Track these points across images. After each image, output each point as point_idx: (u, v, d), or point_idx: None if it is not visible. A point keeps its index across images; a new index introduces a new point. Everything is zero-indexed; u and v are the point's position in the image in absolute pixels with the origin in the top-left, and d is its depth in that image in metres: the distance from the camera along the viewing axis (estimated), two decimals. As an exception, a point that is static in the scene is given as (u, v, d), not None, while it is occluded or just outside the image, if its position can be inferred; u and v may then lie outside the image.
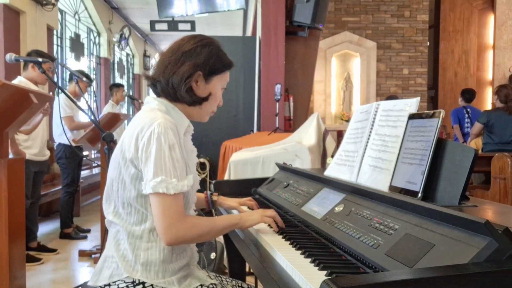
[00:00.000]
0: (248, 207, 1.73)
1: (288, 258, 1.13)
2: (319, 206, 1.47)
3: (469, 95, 5.72)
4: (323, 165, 2.74)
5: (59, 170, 4.51)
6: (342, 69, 8.77)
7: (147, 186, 1.22)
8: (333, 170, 1.69)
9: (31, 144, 3.69)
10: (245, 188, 2.14)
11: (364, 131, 1.56)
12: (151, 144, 1.22)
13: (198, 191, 1.50)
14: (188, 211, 1.39)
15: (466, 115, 5.61)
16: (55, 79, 3.23)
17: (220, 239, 2.57)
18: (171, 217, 1.21)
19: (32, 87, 3.43)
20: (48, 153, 3.99)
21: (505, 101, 4.59)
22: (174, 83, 1.32)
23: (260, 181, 2.16)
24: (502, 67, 8.54)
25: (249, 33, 8.07)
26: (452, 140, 3.52)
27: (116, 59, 10.15)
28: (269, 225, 1.44)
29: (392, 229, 1.06)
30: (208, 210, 1.77)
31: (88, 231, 4.73)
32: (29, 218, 3.69)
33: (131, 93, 10.83)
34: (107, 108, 5.54)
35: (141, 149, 1.23)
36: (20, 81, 3.52)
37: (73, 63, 7.52)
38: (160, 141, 1.21)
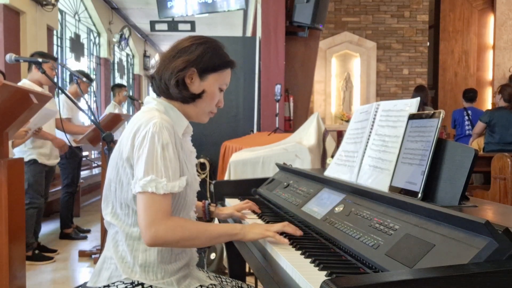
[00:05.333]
0: (252, 211, 1.69)
1: (288, 258, 1.13)
2: (319, 206, 1.47)
3: (470, 94, 5.69)
4: (323, 165, 2.74)
5: (59, 171, 4.51)
6: (342, 69, 8.77)
7: (136, 185, 1.19)
8: (333, 170, 1.69)
9: (42, 144, 3.73)
10: (245, 188, 2.14)
11: (364, 131, 1.56)
12: (145, 143, 1.21)
13: (199, 192, 1.49)
14: (188, 213, 1.38)
15: (466, 117, 5.57)
16: (56, 80, 3.22)
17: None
18: (152, 215, 1.17)
19: (36, 88, 3.43)
20: (58, 158, 4.01)
21: (509, 100, 4.57)
22: (165, 78, 1.32)
23: (260, 181, 2.16)
24: (502, 67, 8.53)
25: (249, 33, 8.07)
26: (452, 140, 3.52)
27: (116, 60, 10.15)
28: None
29: (392, 229, 1.06)
30: (205, 220, 1.73)
31: (88, 231, 4.73)
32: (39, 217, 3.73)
33: (131, 93, 10.83)
34: (109, 109, 5.53)
35: (136, 148, 1.23)
36: (24, 83, 3.54)
37: (73, 64, 7.52)
38: (153, 140, 1.21)
